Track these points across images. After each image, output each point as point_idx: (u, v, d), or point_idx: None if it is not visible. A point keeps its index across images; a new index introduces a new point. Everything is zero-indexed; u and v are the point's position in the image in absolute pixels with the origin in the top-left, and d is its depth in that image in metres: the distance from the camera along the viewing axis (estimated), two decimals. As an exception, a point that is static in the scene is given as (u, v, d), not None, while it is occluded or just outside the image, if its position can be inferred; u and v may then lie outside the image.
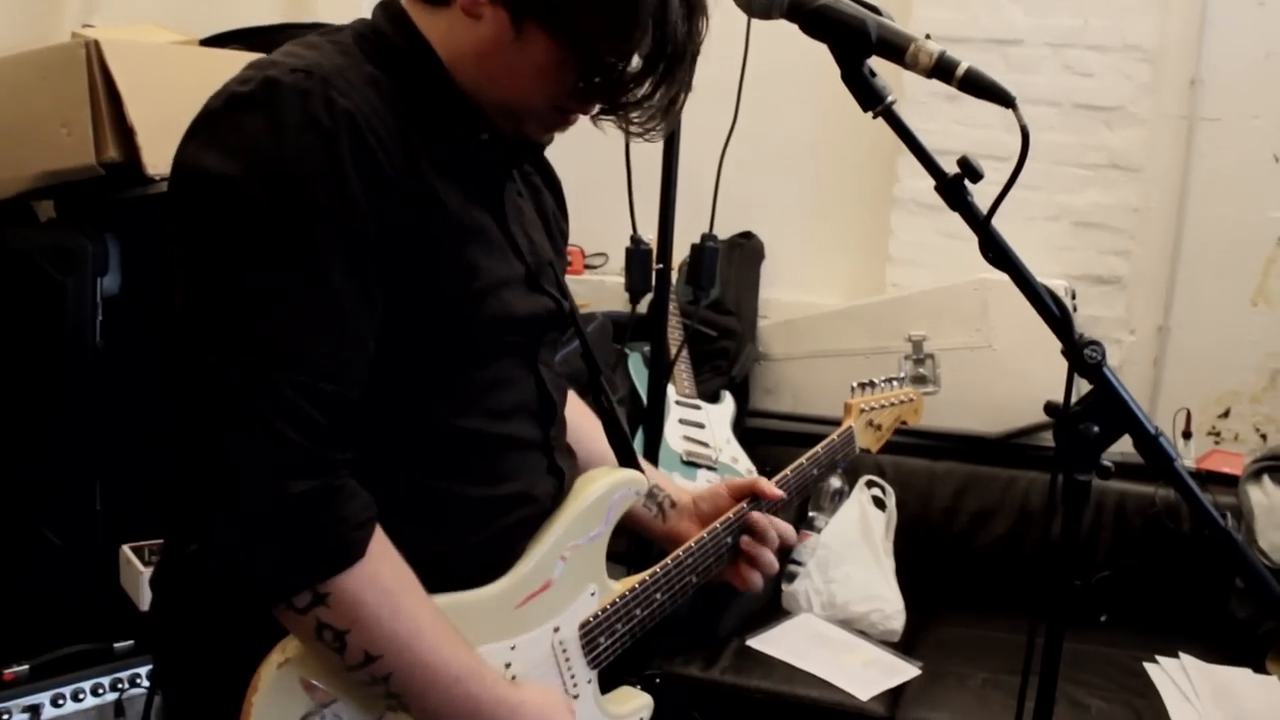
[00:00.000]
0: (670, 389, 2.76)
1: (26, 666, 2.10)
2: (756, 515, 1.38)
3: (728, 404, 2.99)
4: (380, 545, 1.00)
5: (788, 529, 1.41)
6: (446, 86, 1.07)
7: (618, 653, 1.27)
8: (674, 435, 2.73)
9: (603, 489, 1.25)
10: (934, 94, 2.97)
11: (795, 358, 3.15)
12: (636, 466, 1.33)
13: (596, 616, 1.24)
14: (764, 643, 2.58)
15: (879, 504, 2.89)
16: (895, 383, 1.64)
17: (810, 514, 2.86)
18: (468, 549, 1.12)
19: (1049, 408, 1.11)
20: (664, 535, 1.41)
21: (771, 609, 2.75)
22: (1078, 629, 2.65)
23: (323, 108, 0.95)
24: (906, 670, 2.52)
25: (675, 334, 2.71)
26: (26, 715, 2.03)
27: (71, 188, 2.39)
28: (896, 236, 3.14)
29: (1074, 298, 2.96)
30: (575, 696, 1.21)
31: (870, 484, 2.91)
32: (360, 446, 1.00)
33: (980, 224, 1.09)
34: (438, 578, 1.07)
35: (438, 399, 1.08)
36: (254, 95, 0.96)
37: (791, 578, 2.78)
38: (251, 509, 0.92)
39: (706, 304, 3.04)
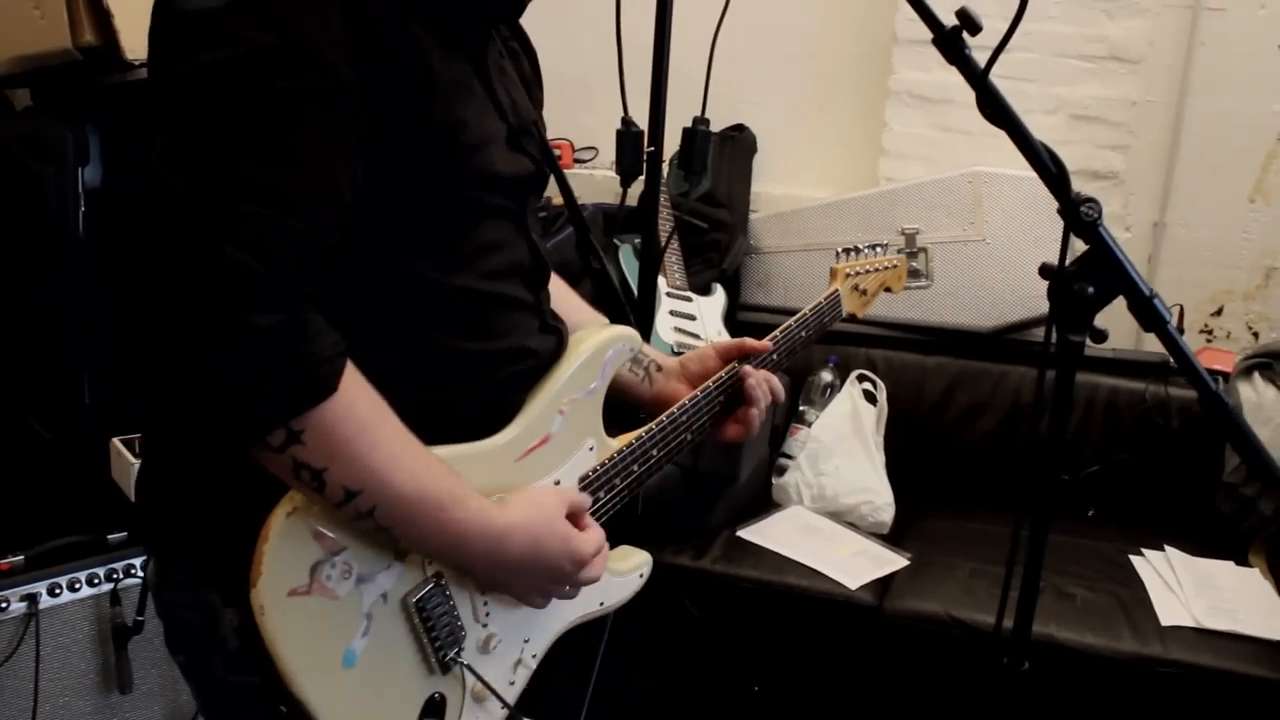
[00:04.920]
0: (661, 281, 2.74)
1: (21, 557, 2.11)
2: (749, 371, 1.40)
3: (719, 296, 2.98)
4: (353, 380, 0.98)
5: (778, 385, 1.43)
6: None
7: (616, 508, 1.27)
8: (665, 327, 2.72)
9: (597, 344, 1.26)
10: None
11: (787, 251, 3.13)
12: (629, 323, 1.34)
13: (595, 470, 1.25)
14: (754, 533, 2.59)
15: (870, 398, 2.88)
16: (879, 249, 1.64)
17: (801, 408, 2.86)
18: (466, 399, 1.13)
19: (1044, 268, 1.09)
20: (653, 399, 1.42)
21: (761, 501, 2.76)
22: (1065, 523, 2.70)
23: None
24: (895, 560, 2.53)
25: (665, 226, 2.69)
26: (24, 604, 2.05)
27: (48, 74, 2.34)
28: (890, 129, 3.09)
29: (1069, 192, 2.92)
30: None
31: (861, 378, 2.90)
32: (355, 300, 1.00)
33: (978, 78, 1.06)
34: (438, 428, 1.07)
35: (430, 256, 1.08)
36: None
37: (781, 471, 2.79)
38: (218, 343, 0.90)
39: (697, 196, 3.02)
